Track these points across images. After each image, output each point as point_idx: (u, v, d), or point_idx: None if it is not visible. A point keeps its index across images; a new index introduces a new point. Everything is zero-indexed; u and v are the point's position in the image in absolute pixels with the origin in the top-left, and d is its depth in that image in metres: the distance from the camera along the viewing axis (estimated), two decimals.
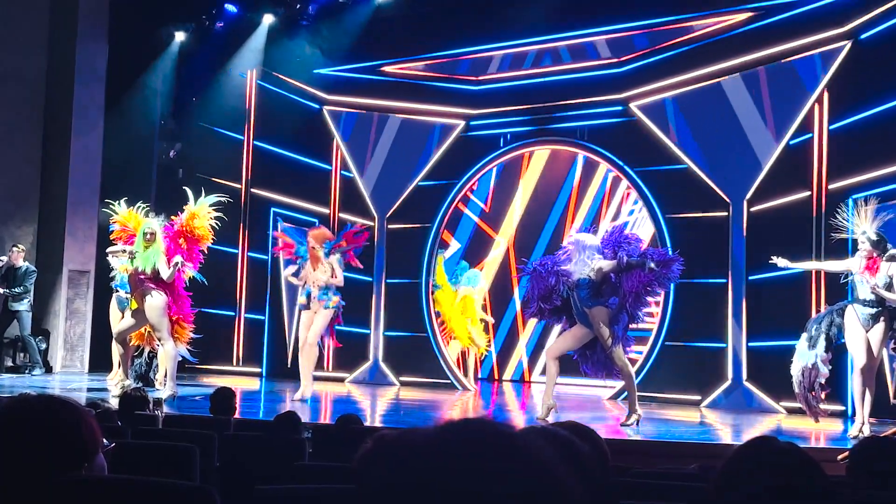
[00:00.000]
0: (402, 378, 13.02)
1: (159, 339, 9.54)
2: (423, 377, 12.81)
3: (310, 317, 9.94)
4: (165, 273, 9.26)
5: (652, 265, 8.02)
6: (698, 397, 11.00)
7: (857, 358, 7.93)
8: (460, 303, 12.65)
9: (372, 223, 13.49)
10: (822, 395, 8.17)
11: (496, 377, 13.80)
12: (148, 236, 9.33)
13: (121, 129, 13.71)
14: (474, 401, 11.55)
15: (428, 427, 0.99)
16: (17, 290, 12.11)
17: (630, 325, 8.39)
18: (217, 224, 9.89)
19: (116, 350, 10.27)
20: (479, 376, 13.40)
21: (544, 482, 0.94)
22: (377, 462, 1.01)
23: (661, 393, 11.11)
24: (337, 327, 10.17)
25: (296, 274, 10.14)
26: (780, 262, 8.55)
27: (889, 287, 7.72)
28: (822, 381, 8.07)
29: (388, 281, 13.26)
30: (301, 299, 10.11)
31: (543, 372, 10.36)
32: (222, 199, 10.02)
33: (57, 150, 13.38)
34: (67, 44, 13.42)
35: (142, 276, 9.31)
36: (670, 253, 8.76)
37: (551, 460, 0.96)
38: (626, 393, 11.06)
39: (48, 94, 13.55)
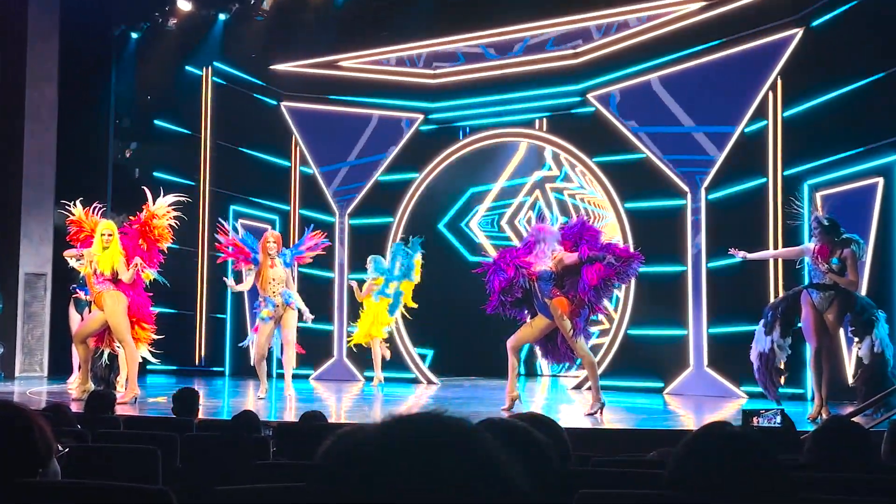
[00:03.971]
0: (366, 374, 13.00)
1: (120, 341, 9.44)
2: (387, 372, 12.79)
3: (271, 327, 9.80)
4: (126, 275, 9.17)
5: (611, 259, 8.04)
6: (661, 384, 11.11)
7: (811, 341, 8.06)
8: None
9: (333, 219, 13.45)
10: (781, 380, 8.29)
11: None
12: (106, 237, 9.23)
13: (75, 129, 13.53)
14: (439, 394, 11.56)
15: (377, 422, 0.99)
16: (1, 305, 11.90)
17: (591, 317, 8.43)
18: (176, 224, 9.80)
19: (77, 353, 10.14)
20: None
21: (488, 474, 0.95)
22: (331, 458, 1.01)
23: (624, 381, 11.20)
24: (301, 324, 10.12)
25: (238, 280, 10.06)
26: (739, 254, 8.65)
27: (842, 271, 7.84)
28: (780, 366, 8.19)
29: (350, 277, 13.22)
30: (267, 311, 9.75)
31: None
32: (182, 198, 9.92)
33: (9, 152, 13.17)
34: (17, 44, 13.21)
35: (101, 278, 9.21)
36: (632, 249, 8.79)
37: (499, 453, 0.97)
38: (586, 382, 11.15)
39: (0, 96, 13.33)
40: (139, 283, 9.50)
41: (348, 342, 12.53)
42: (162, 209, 9.62)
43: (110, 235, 9.23)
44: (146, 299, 9.63)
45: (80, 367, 10.17)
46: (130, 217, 9.78)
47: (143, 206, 9.68)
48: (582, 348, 8.36)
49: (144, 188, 9.97)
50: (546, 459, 2.09)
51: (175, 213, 9.72)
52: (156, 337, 9.75)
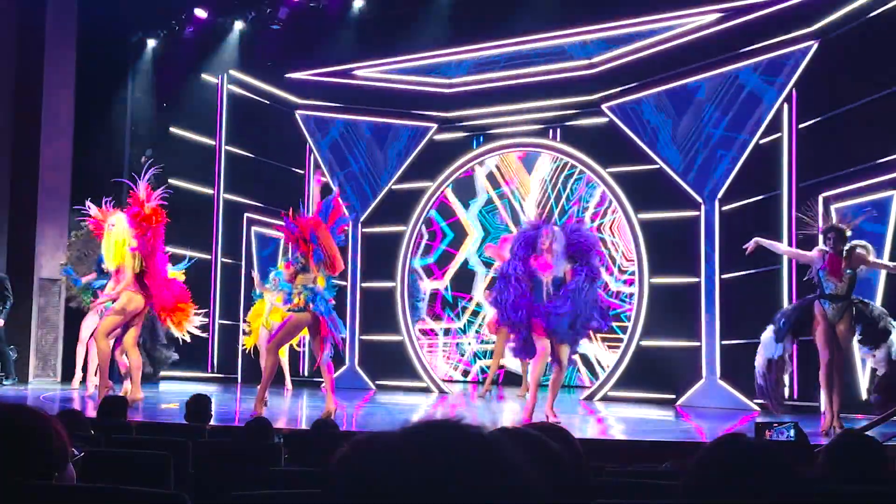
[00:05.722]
0: (378, 382, 13.01)
1: (96, 337, 9.34)
2: (399, 381, 12.81)
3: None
4: (130, 262, 9.16)
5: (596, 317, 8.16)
6: (673, 396, 11.06)
7: (823, 353, 8.00)
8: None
9: (346, 227, 13.48)
10: (784, 391, 8.25)
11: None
12: (109, 226, 9.31)
13: (91, 136, 13.60)
14: (450, 403, 11.54)
15: (396, 430, 0.99)
16: (9, 305, 11.91)
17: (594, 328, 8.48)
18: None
19: (98, 356, 10.02)
20: None
21: (512, 483, 0.95)
22: (348, 465, 1.01)
23: (636, 392, 11.16)
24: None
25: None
26: (751, 244, 8.56)
27: (852, 280, 7.83)
28: (784, 377, 8.14)
29: (362, 285, 13.25)
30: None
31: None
32: (148, 159, 9.87)
33: (26, 158, 13.24)
34: (35, 51, 13.29)
35: (116, 274, 9.27)
36: (608, 312, 8.85)
37: (519, 461, 0.97)
38: (598, 393, 11.15)
39: (17, 102, 13.41)
40: (159, 276, 9.45)
41: (244, 347, 12.20)
42: (143, 192, 9.61)
43: (112, 225, 9.29)
44: (173, 281, 9.58)
45: (96, 372, 10.16)
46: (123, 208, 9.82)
47: (130, 196, 9.68)
48: (565, 358, 8.34)
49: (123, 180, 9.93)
50: (561, 468, 2.09)
51: (158, 194, 9.67)
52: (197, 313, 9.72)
